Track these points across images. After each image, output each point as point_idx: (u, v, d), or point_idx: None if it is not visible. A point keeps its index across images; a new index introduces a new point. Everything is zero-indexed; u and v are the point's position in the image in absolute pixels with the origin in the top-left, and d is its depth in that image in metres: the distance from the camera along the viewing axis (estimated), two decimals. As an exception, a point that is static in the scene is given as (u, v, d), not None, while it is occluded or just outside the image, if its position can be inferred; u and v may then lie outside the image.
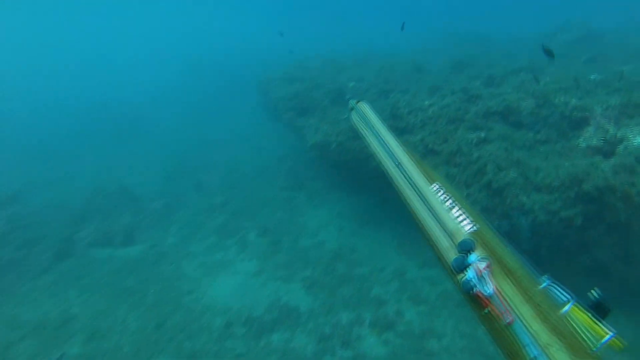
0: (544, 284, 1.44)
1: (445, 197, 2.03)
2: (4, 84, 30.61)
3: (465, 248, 1.63)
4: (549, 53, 7.19)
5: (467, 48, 20.21)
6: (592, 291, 1.34)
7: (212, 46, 38.36)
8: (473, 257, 1.54)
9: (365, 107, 3.33)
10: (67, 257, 9.88)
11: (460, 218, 1.87)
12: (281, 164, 14.27)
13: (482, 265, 1.47)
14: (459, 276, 1.52)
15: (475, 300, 1.42)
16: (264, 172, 14.23)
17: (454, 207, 1.95)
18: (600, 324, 1.24)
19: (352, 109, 3.49)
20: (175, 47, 40.36)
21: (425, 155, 7.92)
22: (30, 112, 24.01)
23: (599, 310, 1.28)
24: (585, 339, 1.22)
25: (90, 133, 21.07)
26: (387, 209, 9.84)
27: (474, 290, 1.41)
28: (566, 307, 1.31)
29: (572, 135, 6.98)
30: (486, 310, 1.37)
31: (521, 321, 1.30)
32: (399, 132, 8.43)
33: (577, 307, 1.31)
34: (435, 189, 2.12)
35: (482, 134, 7.46)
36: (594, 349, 1.19)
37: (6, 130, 20.79)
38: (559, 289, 1.39)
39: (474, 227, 1.78)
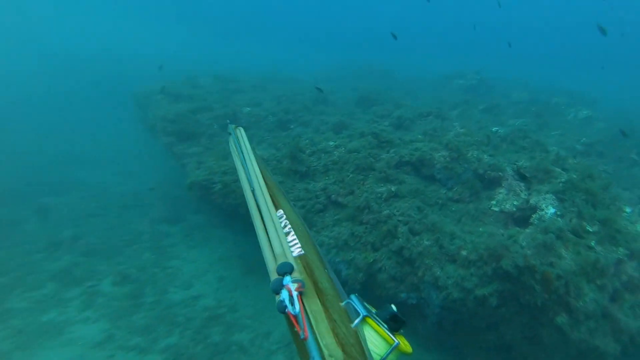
0: (345, 301, 1.65)
1: (285, 223, 2.23)
2: None
3: (283, 271, 1.72)
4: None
5: (369, 81, 20.36)
6: (392, 305, 1.60)
7: (92, 41, 32.79)
8: (287, 279, 1.64)
9: (241, 133, 3.39)
10: None
11: (292, 243, 2.04)
12: (158, 189, 11.72)
13: (294, 286, 1.57)
14: (276, 297, 1.60)
15: (289, 319, 1.52)
16: (135, 199, 11.50)
17: (290, 232, 2.14)
18: (390, 334, 1.45)
19: (229, 133, 3.54)
20: (40, 38, 33.51)
21: (327, 207, 6.63)
22: None
23: (394, 322, 1.52)
24: (376, 346, 1.44)
25: None
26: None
27: (286, 310, 1.49)
28: (356, 321, 1.50)
29: (485, 195, 6.40)
30: (295, 329, 1.48)
31: (316, 336, 1.41)
32: (300, 176, 7.00)
33: (371, 320, 1.51)
34: (279, 214, 2.34)
35: (393, 188, 6.46)
36: (382, 356, 1.41)
37: None
38: (359, 305, 1.58)
39: (302, 251, 1.95)
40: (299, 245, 2.01)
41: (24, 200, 11.23)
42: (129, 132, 15.87)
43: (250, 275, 8.25)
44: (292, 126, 10.12)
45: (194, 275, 8.18)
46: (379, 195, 6.31)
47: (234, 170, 7.13)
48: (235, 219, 8.69)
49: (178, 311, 7.18)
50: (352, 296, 1.65)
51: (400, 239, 5.77)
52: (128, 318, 6.91)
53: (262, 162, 3.02)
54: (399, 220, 5.94)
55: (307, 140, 7.61)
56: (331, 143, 7.65)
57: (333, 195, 6.56)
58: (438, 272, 5.52)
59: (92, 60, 26.35)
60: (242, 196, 7.65)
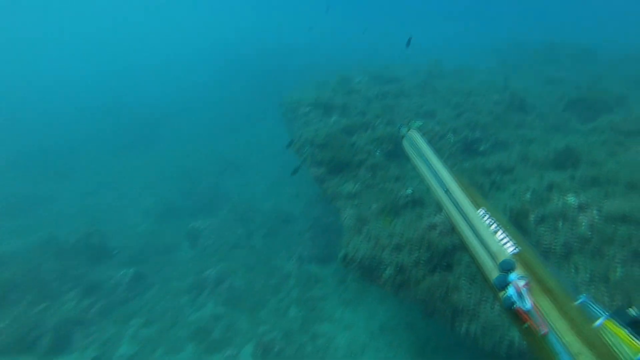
0: (580, 301, 1.59)
1: (491, 221, 2.25)
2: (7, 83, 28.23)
3: (506, 268, 1.78)
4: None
5: (566, 66, 15.28)
6: (630, 308, 1.43)
7: (254, 41, 34.78)
8: (513, 275, 1.70)
9: (416, 135, 3.68)
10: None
11: (504, 241, 2.07)
12: (308, 213, 10.45)
13: (522, 283, 1.63)
14: (501, 293, 1.67)
15: (516, 316, 1.58)
16: (284, 223, 10.51)
17: (498, 230, 2.17)
18: (636, 339, 1.30)
19: (402, 137, 3.85)
20: (211, 43, 37.38)
21: None
22: (39, 115, 21.54)
23: (637, 326, 1.35)
24: (620, 351, 1.32)
25: (99, 139, 18.31)
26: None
27: (514, 306, 1.55)
28: (599, 321, 1.43)
29: None
30: (526, 325, 1.53)
31: (556, 333, 1.46)
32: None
33: (612, 322, 1.40)
34: (481, 213, 2.35)
35: None
36: None
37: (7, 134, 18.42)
38: (595, 305, 1.52)
39: (516, 249, 1.97)
40: (511, 243, 2.01)
41: (180, 217, 11.42)
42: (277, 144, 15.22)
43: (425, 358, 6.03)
44: (482, 148, 7.23)
45: (350, 353, 6.33)
46: None
47: (411, 243, 4.65)
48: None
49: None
50: (583, 296, 1.60)
51: None
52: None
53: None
54: None
55: (528, 194, 4.71)
56: (571, 199, 4.56)
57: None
58: None
59: (258, 60, 27.34)
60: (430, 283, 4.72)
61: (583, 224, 4.32)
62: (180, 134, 19.29)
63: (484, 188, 5.68)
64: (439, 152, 7.29)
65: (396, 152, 7.21)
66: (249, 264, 9.11)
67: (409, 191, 6.03)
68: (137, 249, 9.79)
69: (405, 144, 3.79)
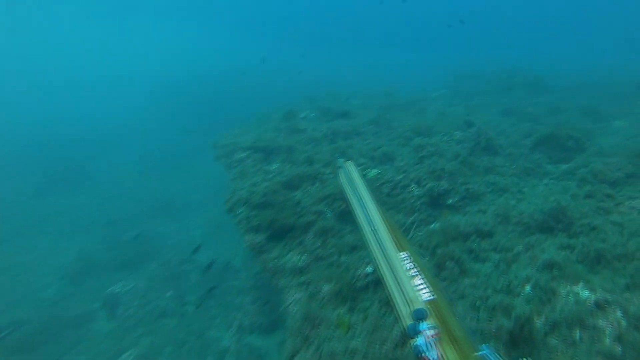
0: (482, 352, 1.76)
1: (411, 266, 2.39)
2: None
3: (419, 316, 1.90)
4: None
5: (520, 95, 15.04)
6: (524, 358, 1.80)
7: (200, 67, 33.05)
8: (424, 325, 1.82)
9: (352, 168, 3.76)
10: None
11: (421, 287, 2.21)
12: (251, 265, 8.92)
13: (431, 333, 1.77)
14: (412, 341, 1.78)
15: None
16: (223, 280, 8.98)
17: (417, 275, 2.32)
18: None
19: (339, 167, 3.98)
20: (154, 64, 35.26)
21: None
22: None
23: None
24: None
25: (18, 177, 15.74)
26: None
27: (422, 354, 1.66)
28: None
29: None
30: None
31: None
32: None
33: None
34: (403, 256, 2.49)
35: None
36: None
37: None
38: (495, 357, 1.70)
39: (431, 296, 2.13)
40: (427, 289, 2.17)
41: (99, 276, 9.48)
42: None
43: None
44: (450, 201, 6.09)
45: None
46: None
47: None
48: None
49: None
50: (485, 346, 1.77)
51: None
52: None
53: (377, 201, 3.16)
54: None
55: (528, 287, 3.46)
56: (584, 293, 3.37)
57: None
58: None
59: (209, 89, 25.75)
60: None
61: (607, 332, 3.11)
62: (110, 168, 17.19)
63: (460, 262, 4.42)
64: (400, 203, 6.01)
65: (345, 218, 5.85)
66: (178, 339, 7.42)
67: (370, 269, 4.64)
68: (38, 325, 7.74)
69: (341, 175, 3.79)
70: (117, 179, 16.19)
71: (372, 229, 2.86)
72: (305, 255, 5.38)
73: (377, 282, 4.58)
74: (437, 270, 4.18)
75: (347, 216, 6.01)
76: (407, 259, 2.42)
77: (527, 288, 3.49)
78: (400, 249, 2.53)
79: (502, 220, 5.17)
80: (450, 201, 6.12)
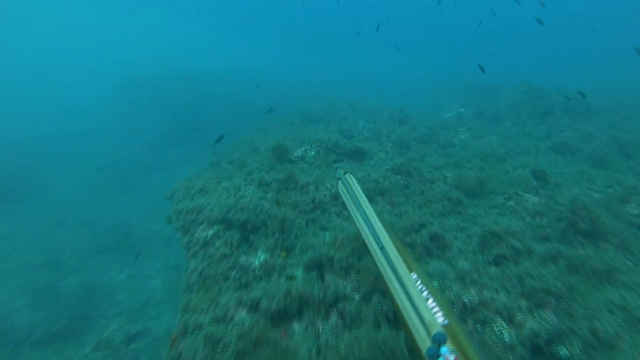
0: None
1: (422, 288, 2.18)
2: None
3: (439, 340, 1.78)
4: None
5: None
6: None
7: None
8: (444, 349, 1.72)
9: (352, 181, 3.33)
10: None
11: (435, 310, 2.04)
12: None
13: (451, 357, 1.67)
14: None
15: None
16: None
17: (429, 298, 2.12)
18: None
19: (339, 179, 3.50)
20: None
21: None
22: None
23: None
24: None
25: None
26: None
27: None
28: None
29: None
30: None
31: None
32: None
33: None
34: (414, 277, 2.25)
35: None
36: None
37: None
38: None
39: (446, 320, 1.99)
40: (441, 313, 2.01)
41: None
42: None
43: None
44: (563, 352, 3.41)
45: None
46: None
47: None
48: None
49: None
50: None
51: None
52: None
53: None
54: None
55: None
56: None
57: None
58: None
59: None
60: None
61: None
62: (61, 181, 14.47)
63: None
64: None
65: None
66: None
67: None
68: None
69: (341, 187, 3.46)
70: (67, 196, 13.33)
71: (380, 247, 2.46)
72: None
73: None
74: None
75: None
76: (417, 280, 2.18)
77: None
78: (410, 269, 2.25)
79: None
80: (564, 352, 3.47)
